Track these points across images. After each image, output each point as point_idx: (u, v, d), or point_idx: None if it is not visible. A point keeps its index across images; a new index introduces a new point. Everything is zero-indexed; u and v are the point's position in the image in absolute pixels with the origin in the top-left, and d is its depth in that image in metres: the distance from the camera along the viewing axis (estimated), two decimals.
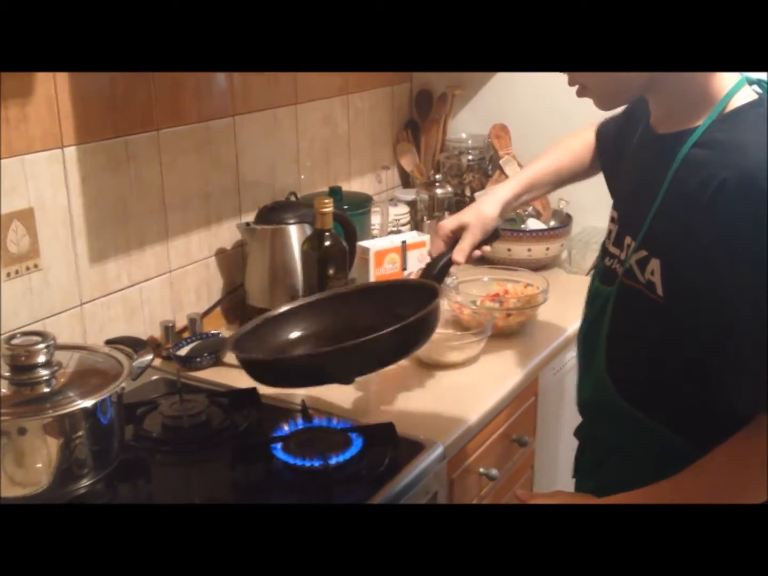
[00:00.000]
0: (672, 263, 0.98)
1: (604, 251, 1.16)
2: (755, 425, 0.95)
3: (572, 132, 1.47)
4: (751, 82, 1.02)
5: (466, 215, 1.39)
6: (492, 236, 1.41)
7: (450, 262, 1.36)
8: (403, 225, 2.13)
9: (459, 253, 1.35)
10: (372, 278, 1.75)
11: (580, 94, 1.06)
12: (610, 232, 1.15)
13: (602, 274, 1.15)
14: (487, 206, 1.39)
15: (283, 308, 1.39)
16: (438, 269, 1.35)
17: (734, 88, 0.99)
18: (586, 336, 1.18)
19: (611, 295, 1.09)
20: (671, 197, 0.99)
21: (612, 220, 1.15)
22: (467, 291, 1.81)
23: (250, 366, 1.24)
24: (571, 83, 1.06)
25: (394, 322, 1.17)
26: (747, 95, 0.99)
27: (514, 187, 1.42)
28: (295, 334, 1.36)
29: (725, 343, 0.95)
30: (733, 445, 0.96)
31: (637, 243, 1.03)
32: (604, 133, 1.35)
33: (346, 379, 1.25)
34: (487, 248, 1.43)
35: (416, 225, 2.14)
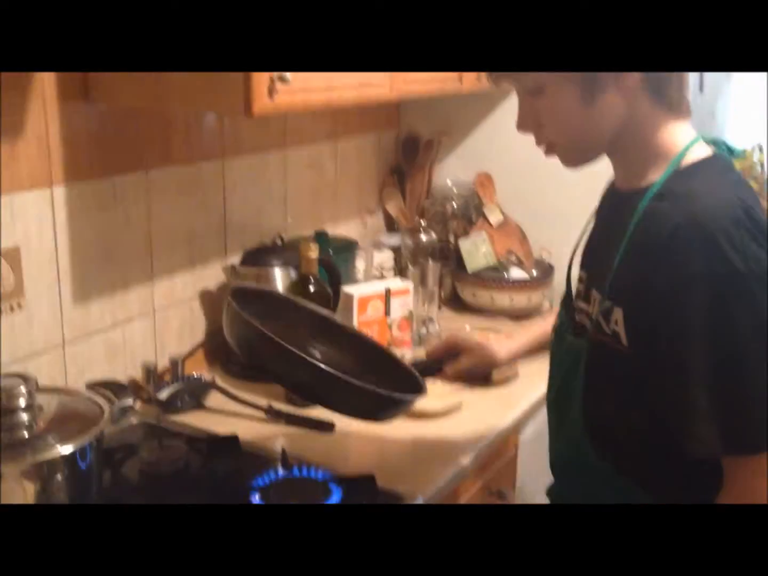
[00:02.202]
0: (633, 310, 1.01)
1: (567, 307, 1.20)
2: (730, 479, 0.98)
3: None
4: (707, 142, 1.08)
5: (477, 344, 1.44)
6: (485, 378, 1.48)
7: (440, 368, 1.41)
8: (387, 270, 2.14)
9: (452, 370, 1.41)
10: (355, 323, 1.75)
11: (548, 152, 1.11)
12: (578, 291, 1.17)
13: (573, 330, 1.17)
14: (498, 348, 1.44)
15: (297, 300, 1.42)
16: (427, 369, 1.40)
17: (689, 144, 1.04)
18: (558, 394, 1.19)
19: (582, 349, 1.10)
20: (632, 247, 1.02)
21: (580, 280, 1.18)
22: None
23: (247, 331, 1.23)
24: (538, 142, 1.10)
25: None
26: (701, 151, 1.05)
27: (525, 346, 1.47)
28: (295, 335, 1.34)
29: (681, 385, 0.97)
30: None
31: (603, 294, 1.06)
32: None
33: (313, 401, 1.29)
34: None
35: (400, 270, 2.15)
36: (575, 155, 1.11)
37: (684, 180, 1.02)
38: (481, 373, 1.45)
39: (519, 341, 1.47)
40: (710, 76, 2.65)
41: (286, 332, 1.29)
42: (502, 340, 1.48)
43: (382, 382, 1.27)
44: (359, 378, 1.20)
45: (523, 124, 1.10)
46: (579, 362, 1.12)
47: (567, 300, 1.22)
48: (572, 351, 1.15)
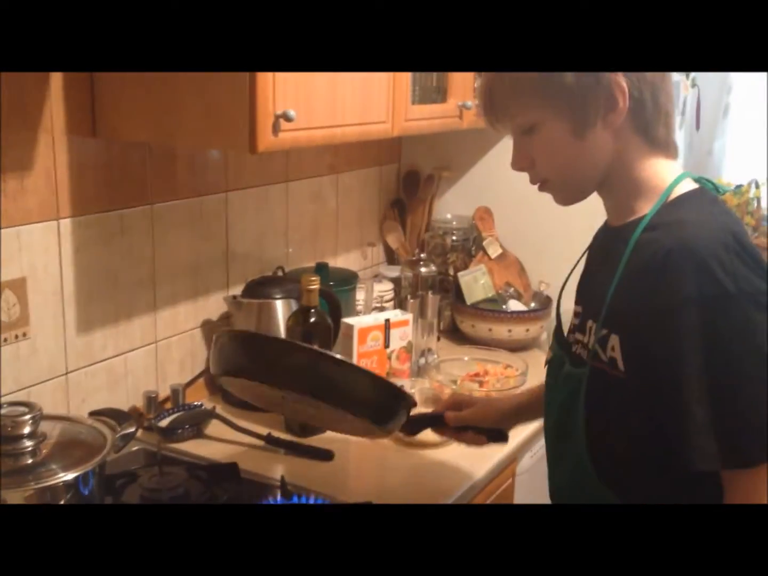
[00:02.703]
0: (628, 335, 1.04)
1: (560, 341, 1.22)
2: (730, 493, 1.00)
3: None
4: (694, 180, 1.11)
5: (481, 400, 1.47)
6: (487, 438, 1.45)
7: (440, 420, 1.40)
8: (387, 301, 2.17)
9: (452, 419, 1.39)
10: (356, 354, 1.77)
11: (542, 189, 1.14)
12: (573, 325, 1.20)
13: (571, 361, 1.18)
14: (498, 406, 1.45)
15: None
16: (430, 420, 1.40)
17: (676, 180, 1.08)
18: (557, 424, 1.20)
19: (582, 377, 1.12)
20: (626, 275, 1.05)
21: (575, 314, 1.21)
22: (448, 370, 1.84)
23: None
24: (533, 181, 1.13)
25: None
26: (688, 186, 1.09)
27: (526, 396, 1.48)
28: None
29: (678, 404, 0.99)
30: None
31: (599, 323, 1.09)
32: None
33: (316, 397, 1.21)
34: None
35: (400, 302, 2.18)
36: (567, 191, 1.14)
37: (673, 210, 1.05)
38: (485, 428, 1.42)
39: (513, 401, 1.48)
40: (706, 115, 2.71)
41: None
42: (502, 399, 1.49)
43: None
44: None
45: (517, 163, 1.13)
46: (579, 391, 1.13)
47: (558, 333, 1.25)
48: (571, 381, 1.17)
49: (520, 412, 1.46)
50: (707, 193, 1.10)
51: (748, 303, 0.97)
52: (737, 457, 0.98)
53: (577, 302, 1.23)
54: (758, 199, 2.69)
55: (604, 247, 1.16)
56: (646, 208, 1.08)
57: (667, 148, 1.11)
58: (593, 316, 1.12)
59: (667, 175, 1.09)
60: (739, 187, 2.71)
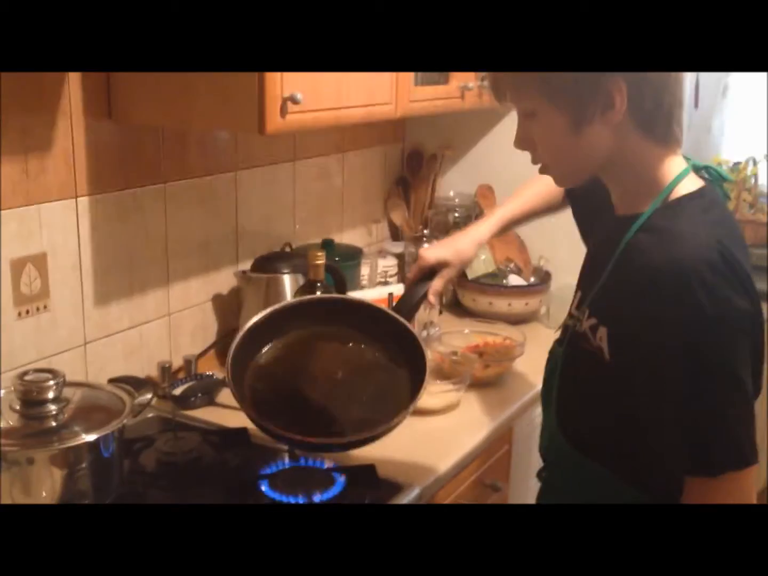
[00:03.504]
0: (616, 332, 1.09)
1: (569, 315, 1.27)
2: (689, 497, 1.05)
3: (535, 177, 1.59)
4: (698, 169, 1.14)
5: (447, 252, 1.47)
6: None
7: (424, 298, 1.44)
8: (391, 276, 2.24)
9: (434, 293, 1.44)
10: None
11: (542, 171, 1.17)
12: (576, 299, 1.26)
13: (560, 335, 1.25)
14: (468, 247, 1.49)
15: (272, 310, 1.41)
16: (412, 305, 1.44)
17: (679, 176, 1.10)
18: (544, 388, 1.29)
19: (560, 356, 1.19)
20: (615, 275, 1.10)
21: (578, 288, 1.26)
22: (449, 342, 1.92)
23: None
24: (533, 161, 1.17)
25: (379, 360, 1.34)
26: (691, 184, 1.10)
27: (491, 228, 1.53)
28: (287, 339, 1.40)
29: (651, 405, 1.05)
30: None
31: (590, 311, 1.15)
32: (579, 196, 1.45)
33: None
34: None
35: (403, 277, 2.25)
36: (564, 177, 1.18)
37: (669, 215, 1.07)
38: (459, 274, 1.52)
39: (483, 228, 1.53)
40: (705, 93, 2.75)
41: (295, 343, 1.38)
42: (465, 237, 1.51)
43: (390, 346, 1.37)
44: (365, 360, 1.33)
45: (519, 143, 1.16)
46: (557, 366, 1.21)
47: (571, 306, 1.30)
48: (553, 357, 1.26)
49: (485, 241, 1.53)
50: (707, 194, 1.10)
51: (725, 325, 1.00)
52: (704, 466, 1.03)
53: (580, 274, 1.29)
54: (756, 176, 2.75)
55: (606, 233, 1.19)
56: (645, 205, 1.10)
57: (668, 143, 1.11)
58: (588, 302, 1.17)
59: (670, 170, 1.10)
60: (737, 164, 2.76)
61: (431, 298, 1.44)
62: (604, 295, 1.12)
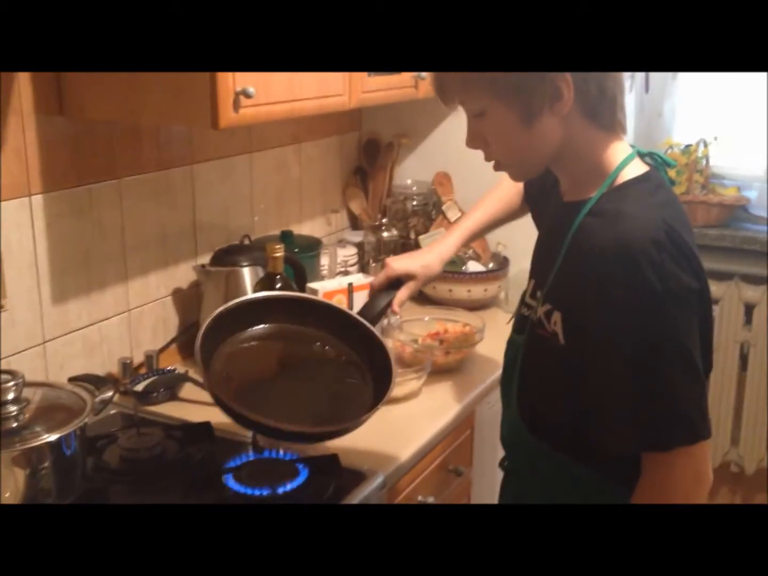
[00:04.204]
0: (569, 315, 1.12)
1: (522, 302, 1.30)
2: (647, 472, 1.08)
3: (498, 184, 1.63)
4: (642, 155, 1.17)
5: (414, 264, 1.51)
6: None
7: (388, 307, 1.49)
8: (351, 266, 2.25)
9: (398, 303, 1.49)
10: None
11: (496, 168, 1.20)
12: (528, 289, 1.28)
13: (517, 323, 1.28)
14: (433, 262, 1.54)
15: (260, 296, 1.47)
16: (376, 312, 1.47)
17: (624, 161, 1.13)
18: (504, 379, 1.31)
19: (521, 344, 1.22)
20: (568, 259, 1.13)
21: (531, 276, 1.29)
22: (409, 330, 1.94)
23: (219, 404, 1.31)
24: (487, 159, 1.19)
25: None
26: (636, 168, 1.14)
27: (456, 242, 1.58)
28: (255, 332, 1.43)
29: (603, 383, 1.08)
30: (646, 495, 1.09)
31: (544, 296, 1.17)
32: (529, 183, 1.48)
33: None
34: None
35: (363, 266, 2.26)
36: (519, 172, 1.21)
37: (615, 198, 1.10)
38: (424, 287, 1.59)
39: (448, 243, 1.58)
40: (656, 77, 2.80)
41: (262, 336, 1.41)
42: (430, 252, 1.56)
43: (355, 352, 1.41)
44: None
45: (471, 143, 1.19)
46: (517, 357, 1.23)
47: (523, 294, 1.32)
48: (513, 345, 1.28)
49: (449, 257, 1.58)
50: (652, 178, 1.14)
51: (673, 301, 1.03)
52: (655, 441, 1.06)
53: (531, 264, 1.32)
54: (707, 158, 2.80)
55: (555, 220, 1.22)
56: (593, 190, 1.13)
57: (614, 129, 1.14)
58: (541, 288, 1.20)
59: (615, 156, 1.13)
60: (688, 146, 2.81)
61: (396, 307, 1.49)
62: (556, 281, 1.14)
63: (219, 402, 1.28)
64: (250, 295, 1.45)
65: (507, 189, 1.59)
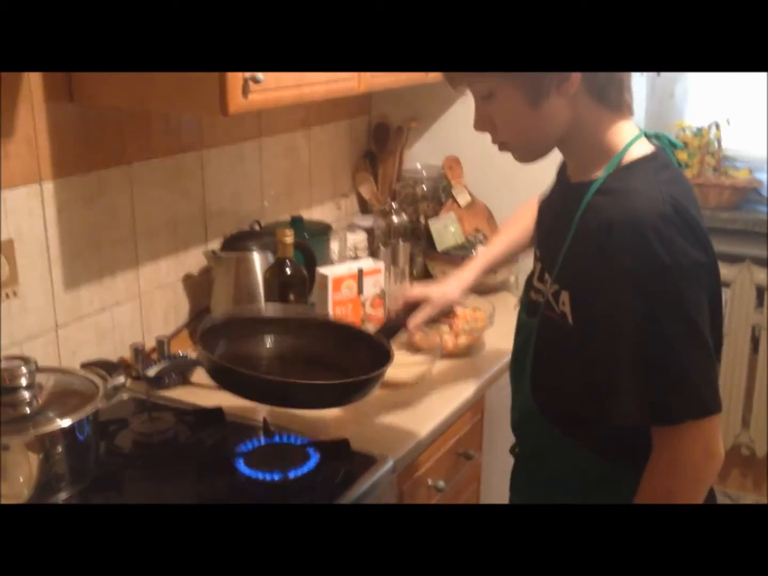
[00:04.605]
0: (577, 294, 1.12)
1: (529, 286, 1.30)
2: (658, 446, 1.09)
3: (522, 206, 1.65)
4: (649, 136, 1.17)
5: (432, 291, 1.56)
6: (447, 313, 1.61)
7: (403, 326, 1.53)
8: (361, 251, 2.25)
9: (413, 324, 1.53)
10: (330, 302, 1.85)
11: (502, 149, 1.20)
12: (535, 272, 1.28)
13: (528, 308, 1.28)
14: (452, 289, 1.57)
15: (256, 313, 1.55)
16: (391, 329, 1.53)
17: (630, 142, 1.13)
18: (514, 363, 1.31)
19: (534, 326, 1.22)
20: (576, 238, 1.13)
21: (537, 258, 1.29)
22: None
23: (214, 370, 1.35)
24: (493, 141, 1.19)
25: (349, 360, 1.42)
26: (643, 148, 1.14)
27: (477, 269, 1.61)
28: (263, 345, 1.51)
29: (610, 359, 1.08)
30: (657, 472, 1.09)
31: (552, 278, 1.17)
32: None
33: (292, 405, 1.43)
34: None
35: (373, 251, 2.26)
36: (526, 153, 1.20)
37: (622, 176, 1.10)
38: (443, 314, 1.59)
39: (469, 272, 1.61)
40: None
41: (254, 348, 1.49)
42: (451, 280, 1.60)
43: (357, 356, 1.45)
44: (337, 359, 1.43)
45: (478, 125, 1.19)
46: (530, 340, 1.23)
47: (529, 279, 1.33)
48: (526, 329, 1.27)
49: (469, 287, 1.61)
50: (659, 157, 1.14)
51: (681, 274, 1.03)
52: (664, 415, 1.06)
53: (537, 246, 1.32)
54: (719, 140, 2.78)
55: (562, 201, 1.22)
56: (600, 171, 1.13)
57: (620, 109, 1.14)
58: (549, 269, 1.19)
59: (622, 136, 1.13)
60: (700, 129, 2.79)
61: (410, 327, 1.53)
62: (565, 262, 1.15)
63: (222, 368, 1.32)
64: (252, 311, 1.56)
65: (527, 213, 1.59)
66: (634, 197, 1.06)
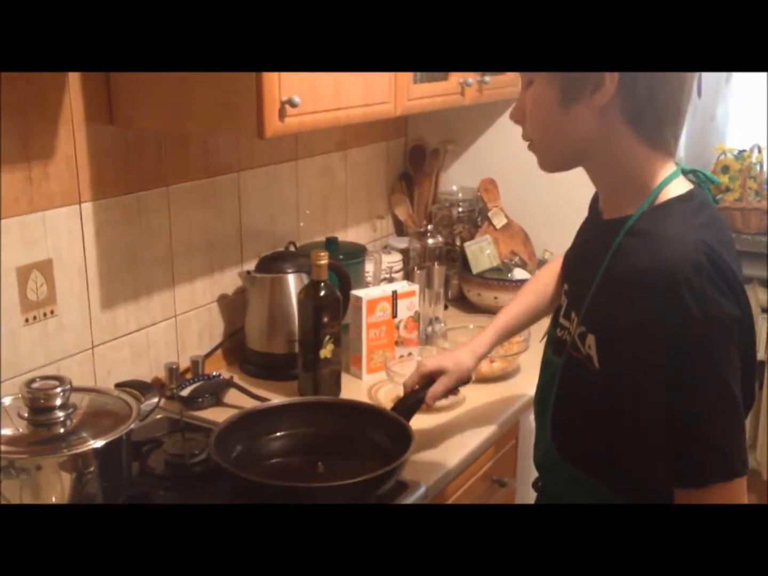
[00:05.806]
0: (604, 339, 1.08)
1: (555, 322, 1.26)
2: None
3: (545, 268, 1.63)
4: (686, 172, 1.12)
5: (446, 361, 1.54)
6: (464, 381, 1.56)
7: (421, 402, 1.51)
8: (396, 272, 2.25)
9: (431, 397, 1.51)
10: (364, 325, 1.85)
11: (529, 148, 1.16)
12: (560, 306, 1.25)
13: (554, 345, 1.25)
14: (466, 358, 1.54)
15: (270, 404, 1.56)
16: (410, 406, 1.50)
17: (667, 179, 1.08)
18: (538, 401, 1.28)
19: (560, 365, 1.19)
20: (605, 281, 1.09)
21: (564, 293, 1.25)
22: (454, 338, 1.92)
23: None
24: (523, 136, 1.16)
25: (365, 440, 1.45)
26: (680, 186, 1.09)
27: (491, 337, 1.57)
28: (277, 434, 1.50)
29: (635, 412, 1.04)
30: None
31: (579, 319, 1.14)
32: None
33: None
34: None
35: (408, 273, 2.26)
36: (547, 157, 1.15)
37: (656, 218, 1.06)
38: (460, 383, 1.55)
39: (483, 340, 1.57)
40: (708, 80, 2.74)
41: (267, 448, 1.47)
42: (465, 349, 1.56)
43: (374, 440, 1.45)
44: (354, 441, 1.44)
45: (513, 113, 1.16)
46: (554, 379, 1.20)
47: (556, 312, 1.29)
48: (551, 367, 1.23)
49: (485, 354, 1.57)
50: (696, 197, 1.09)
51: (712, 327, 0.98)
52: (690, 478, 1.02)
53: (565, 280, 1.28)
54: (761, 164, 2.74)
55: (592, 237, 1.19)
56: (632, 208, 1.08)
57: (658, 145, 1.08)
58: (576, 309, 1.16)
59: (658, 172, 1.08)
60: (742, 152, 2.75)
61: (429, 401, 1.51)
62: (593, 304, 1.11)
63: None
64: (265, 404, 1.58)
65: (547, 277, 1.57)
66: (666, 244, 1.02)
